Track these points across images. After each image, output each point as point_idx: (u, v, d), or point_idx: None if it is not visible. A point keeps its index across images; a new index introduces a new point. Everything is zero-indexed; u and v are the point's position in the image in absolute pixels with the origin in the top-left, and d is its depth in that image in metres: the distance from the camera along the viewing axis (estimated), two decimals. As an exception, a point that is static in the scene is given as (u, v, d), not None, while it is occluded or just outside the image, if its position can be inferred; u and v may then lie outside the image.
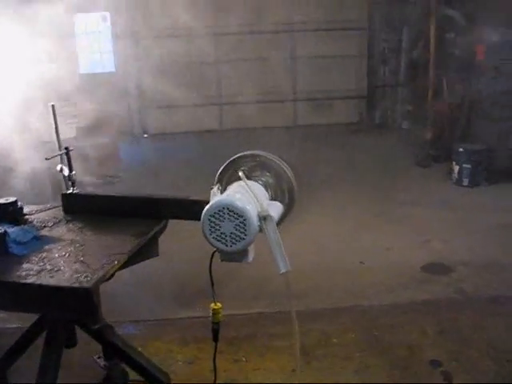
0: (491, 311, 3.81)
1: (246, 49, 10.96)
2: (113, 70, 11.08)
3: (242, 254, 2.26)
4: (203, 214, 2.16)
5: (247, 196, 2.22)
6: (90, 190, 7.19)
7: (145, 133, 11.32)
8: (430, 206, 6.05)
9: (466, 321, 3.69)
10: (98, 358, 3.07)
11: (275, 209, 2.34)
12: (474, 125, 7.36)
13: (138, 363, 2.55)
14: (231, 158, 2.50)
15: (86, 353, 3.13)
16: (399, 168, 7.72)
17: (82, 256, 2.24)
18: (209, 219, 2.15)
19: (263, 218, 2.17)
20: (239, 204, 2.13)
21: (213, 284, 2.50)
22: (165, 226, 2.61)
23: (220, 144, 9.90)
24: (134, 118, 11.30)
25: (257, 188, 2.36)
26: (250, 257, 2.30)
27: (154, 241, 2.58)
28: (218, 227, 2.15)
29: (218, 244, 2.18)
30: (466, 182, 6.76)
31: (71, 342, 2.62)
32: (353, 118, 11.31)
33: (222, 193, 2.31)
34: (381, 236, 5.26)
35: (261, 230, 2.18)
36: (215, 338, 2.65)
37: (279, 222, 2.44)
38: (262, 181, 2.46)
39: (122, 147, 9.37)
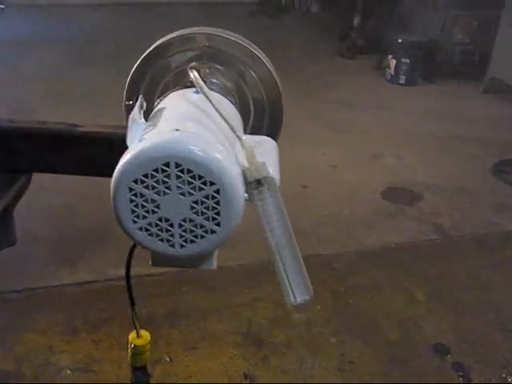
0: (484, 255, 2.92)
1: None
2: None
3: (203, 259, 1.05)
4: (116, 175, 0.87)
5: (213, 129, 0.97)
6: None
7: (1, 3, 9.11)
8: (367, 108, 5.01)
9: (458, 272, 2.77)
10: None
11: (271, 157, 1.11)
12: (412, 13, 6.27)
13: None
14: (158, 43, 1.21)
15: None
16: (322, 61, 6.53)
17: None
18: (130, 188, 0.87)
19: (256, 183, 0.95)
20: (210, 153, 0.87)
21: (133, 303, 1.26)
22: (24, 188, 1.26)
23: (103, 20, 8.21)
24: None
25: (228, 108, 1.12)
26: (214, 263, 1.08)
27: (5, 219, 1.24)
28: (151, 206, 0.90)
29: (155, 242, 0.93)
30: (402, 79, 5.75)
31: None
32: (251, -2, 9.83)
33: (147, 119, 1.01)
34: (320, 148, 4.16)
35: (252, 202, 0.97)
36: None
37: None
38: (222, 89, 1.21)
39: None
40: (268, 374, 2.10)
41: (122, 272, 1.16)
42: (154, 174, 0.86)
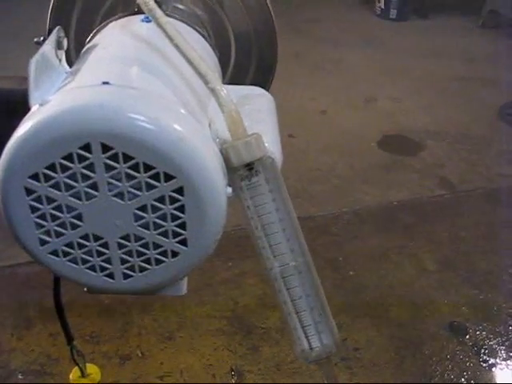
0: (492, 214, 2.58)
1: None
2: None
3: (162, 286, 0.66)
4: (4, 166, 0.47)
5: (171, 80, 0.57)
6: None
7: None
8: (358, 47, 4.56)
9: (471, 233, 2.43)
10: None
11: (266, 121, 0.72)
12: None
13: None
14: None
15: None
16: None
17: None
18: (29, 190, 0.47)
19: (245, 170, 0.55)
20: (161, 123, 0.46)
21: (71, 338, 0.89)
22: None
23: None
24: None
25: (197, 44, 0.71)
26: (184, 288, 0.72)
27: None
28: (69, 216, 0.50)
29: (78, 271, 0.55)
30: (393, 14, 5.27)
31: None
32: None
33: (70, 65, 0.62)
34: (308, 91, 3.74)
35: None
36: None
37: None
38: (189, 16, 0.80)
39: None
40: (259, 368, 1.76)
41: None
42: (67, 163, 0.48)
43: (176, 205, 0.49)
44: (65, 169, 0.47)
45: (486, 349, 1.89)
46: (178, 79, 0.56)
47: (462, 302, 2.08)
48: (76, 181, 0.47)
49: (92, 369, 0.97)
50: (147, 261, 0.54)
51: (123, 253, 0.52)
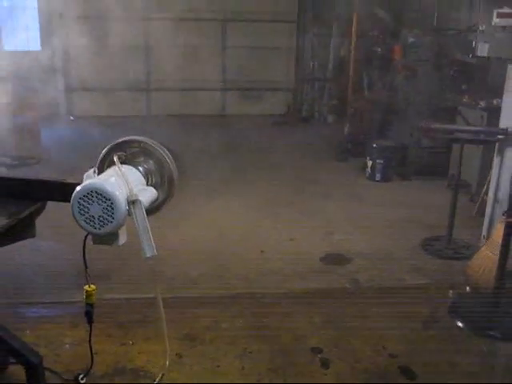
0: (377, 301, 3.98)
1: (177, 35, 10.88)
2: (39, 48, 10.75)
3: (112, 238, 2.29)
4: (73, 196, 2.18)
5: (118, 180, 2.25)
6: (5, 171, 7.07)
7: (71, 115, 11.08)
8: (340, 199, 6.23)
9: (352, 309, 3.84)
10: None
11: (147, 194, 2.38)
12: (391, 122, 7.61)
13: (4, 341, 2.52)
14: (114, 143, 2.52)
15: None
16: (316, 161, 7.91)
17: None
18: (78, 201, 2.18)
19: (132, 203, 2.21)
20: (107, 187, 2.17)
21: (86, 266, 2.52)
22: (42, 208, 2.60)
23: (145, 129, 9.86)
24: (60, 100, 11.03)
25: (131, 173, 2.39)
26: (121, 241, 2.34)
27: (29, 222, 2.56)
28: (87, 210, 2.18)
29: (88, 227, 2.21)
30: (378, 176, 6.99)
31: None
32: (280, 110, 11.44)
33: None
34: (286, 226, 5.38)
35: (130, 214, 2.23)
36: (89, 320, 2.68)
37: (157, 208, 2.52)
38: (143, 167, 2.50)
39: (45, 129, 9.17)
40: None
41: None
42: (88, 195, 2.15)
43: (110, 209, 2.13)
44: (86, 196, 2.15)
45: (329, 361, 3.26)
46: (122, 182, 2.22)
47: (325, 338, 3.48)
48: (89, 199, 2.15)
49: (90, 287, 2.54)
50: (104, 224, 2.18)
51: (98, 221, 2.18)
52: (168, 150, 2.58)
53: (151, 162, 2.53)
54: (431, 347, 3.46)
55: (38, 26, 10.70)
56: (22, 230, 2.54)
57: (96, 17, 10.09)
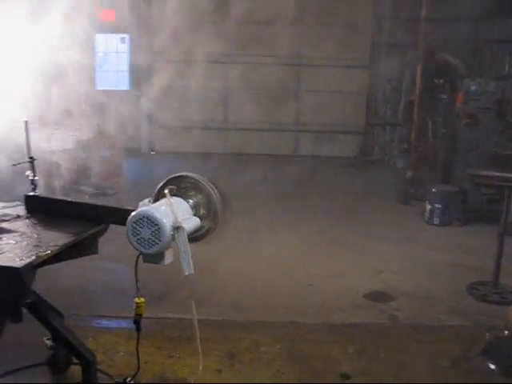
0: (413, 337, 4.17)
1: (254, 78, 11.53)
2: (127, 88, 11.71)
3: (159, 257, 2.72)
4: (128, 220, 2.63)
5: (167, 209, 2.68)
6: (87, 199, 7.80)
7: (152, 150, 11.89)
8: (395, 240, 6.43)
9: (386, 343, 4.06)
10: (48, 339, 3.50)
11: (191, 223, 2.80)
12: (453, 167, 7.74)
13: (65, 339, 2.99)
14: (169, 177, 2.98)
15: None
16: (380, 204, 8.13)
17: (26, 245, 2.71)
18: (132, 225, 2.62)
19: (176, 228, 2.63)
20: (156, 215, 2.60)
21: (137, 281, 2.95)
22: (104, 229, 3.07)
23: (222, 166, 10.44)
24: (143, 136, 11.88)
25: (180, 204, 2.83)
26: (167, 260, 2.76)
27: (92, 240, 3.04)
28: (138, 232, 2.62)
29: (139, 246, 2.65)
30: (436, 220, 7.12)
31: (17, 317, 3.01)
32: (351, 153, 11.75)
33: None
34: (338, 263, 5.65)
35: (174, 238, 2.65)
36: (138, 328, 3.09)
37: (203, 235, 2.94)
38: (192, 200, 2.94)
39: (128, 162, 9.95)
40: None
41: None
42: (140, 220, 2.60)
43: (157, 233, 2.54)
44: (139, 221, 2.59)
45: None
46: (170, 211, 2.64)
47: (355, 366, 3.72)
48: (140, 224, 2.59)
49: (140, 299, 2.94)
50: (152, 245, 2.60)
51: (148, 242, 2.60)
52: (216, 186, 3.02)
53: (200, 196, 2.97)
54: (457, 384, 3.63)
55: (128, 68, 11.68)
56: (86, 247, 3.03)
57: (180, 60, 10.95)
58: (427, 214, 7.23)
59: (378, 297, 4.91)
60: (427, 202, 7.23)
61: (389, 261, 5.81)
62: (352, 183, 9.32)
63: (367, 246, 6.22)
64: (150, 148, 11.90)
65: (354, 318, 4.47)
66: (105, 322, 4.25)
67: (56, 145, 7.03)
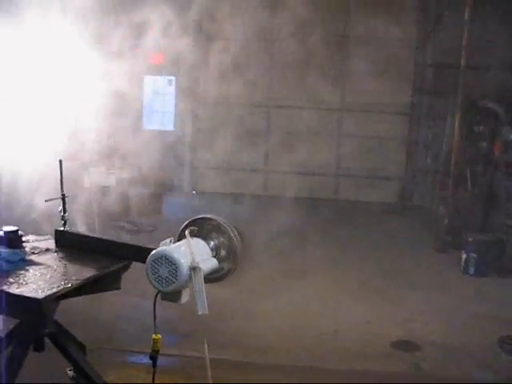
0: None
1: (296, 123, 11.72)
2: (172, 128, 12.05)
3: (176, 296, 2.81)
4: (148, 258, 2.74)
5: (186, 250, 2.78)
6: (126, 235, 8.01)
7: (193, 190, 12.11)
8: (427, 290, 6.32)
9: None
10: (70, 370, 3.60)
11: (208, 264, 2.89)
12: (492, 216, 7.62)
13: (83, 370, 3.08)
14: (191, 219, 3.10)
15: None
16: (416, 251, 8.02)
17: (50, 277, 2.85)
18: (151, 263, 2.73)
19: (193, 269, 2.72)
20: (174, 255, 2.71)
21: (155, 318, 3.03)
22: (127, 266, 3.17)
23: (261, 208, 10.52)
24: (186, 175, 12.14)
25: (199, 245, 2.93)
26: (183, 299, 2.84)
27: (115, 276, 3.15)
28: (157, 270, 2.72)
29: (157, 284, 2.75)
30: (471, 270, 6.98)
31: (39, 346, 3.12)
32: (391, 199, 11.67)
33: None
34: (368, 310, 5.60)
35: (191, 278, 2.73)
36: (154, 364, 3.15)
37: (222, 276, 3.03)
38: (213, 241, 3.04)
39: (168, 201, 10.20)
40: None
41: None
42: (159, 259, 2.70)
43: (174, 272, 2.63)
44: (158, 260, 2.69)
45: None
46: (188, 252, 2.74)
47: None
48: (159, 262, 2.69)
49: (157, 335, 3.00)
50: (169, 284, 2.69)
51: (165, 280, 2.69)
52: (236, 229, 3.12)
53: (222, 238, 3.07)
54: None
55: (173, 109, 12.04)
56: (109, 282, 3.14)
57: (222, 103, 11.27)
58: (463, 264, 7.10)
59: (403, 346, 4.84)
60: (463, 251, 7.11)
61: (418, 310, 5.72)
62: (391, 229, 9.24)
63: (399, 294, 6.14)
64: (192, 188, 12.13)
65: (376, 365, 4.42)
66: (128, 357, 4.34)
67: (98, 181, 7.29)
